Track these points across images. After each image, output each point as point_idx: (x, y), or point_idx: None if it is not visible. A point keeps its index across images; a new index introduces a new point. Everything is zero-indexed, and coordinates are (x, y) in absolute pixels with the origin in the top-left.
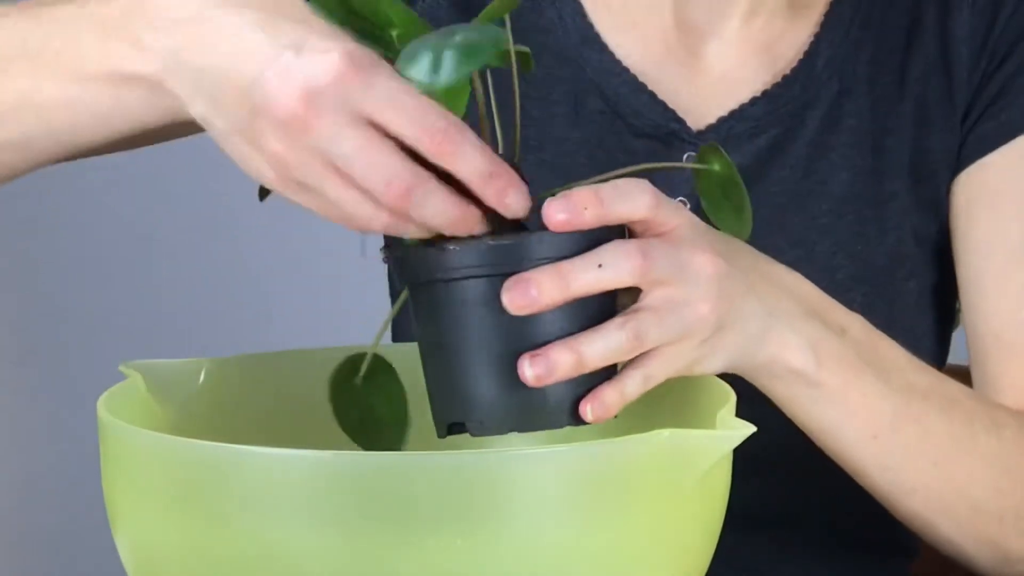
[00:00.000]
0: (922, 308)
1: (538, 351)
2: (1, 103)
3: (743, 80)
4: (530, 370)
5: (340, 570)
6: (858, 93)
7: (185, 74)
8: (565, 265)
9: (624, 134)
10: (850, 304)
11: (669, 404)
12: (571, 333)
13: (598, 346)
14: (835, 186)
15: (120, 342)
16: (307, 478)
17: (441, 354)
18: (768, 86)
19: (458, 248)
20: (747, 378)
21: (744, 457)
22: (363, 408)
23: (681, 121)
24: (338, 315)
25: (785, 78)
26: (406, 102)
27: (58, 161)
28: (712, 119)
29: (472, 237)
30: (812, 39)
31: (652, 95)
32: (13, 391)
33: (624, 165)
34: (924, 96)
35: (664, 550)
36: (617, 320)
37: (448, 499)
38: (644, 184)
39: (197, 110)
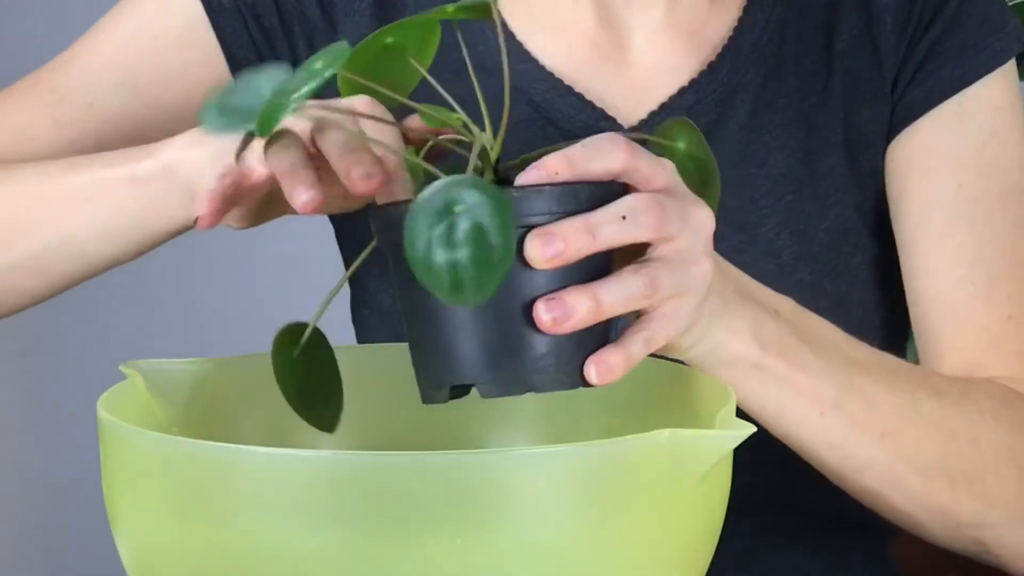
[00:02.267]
0: (870, 282)
1: (554, 295)
2: (15, 222)
3: (671, 70)
4: (547, 314)
5: (340, 570)
6: (786, 72)
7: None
8: (591, 218)
9: (555, 139)
10: (798, 284)
11: (669, 404)
12: None
13: (615, 292)
14: (772, 167)
15: (120, 342)
16: (307, 478)
17: (438, 315)
18: (696, 74)
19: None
20: (692, 366)
21: None
22: (299, 379)
23: (611, 119)
24: (338, 315)
25: (711, 65)
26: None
27: (65, 286)
28: (643, 113)
29: None
30: (736, 22)
31: (580, 96)
32: (13, 390)
33: None
34: (852, 69)
35: (664, 550)
36: (631, 267)
37: (448, 499)
38: (615, 137)
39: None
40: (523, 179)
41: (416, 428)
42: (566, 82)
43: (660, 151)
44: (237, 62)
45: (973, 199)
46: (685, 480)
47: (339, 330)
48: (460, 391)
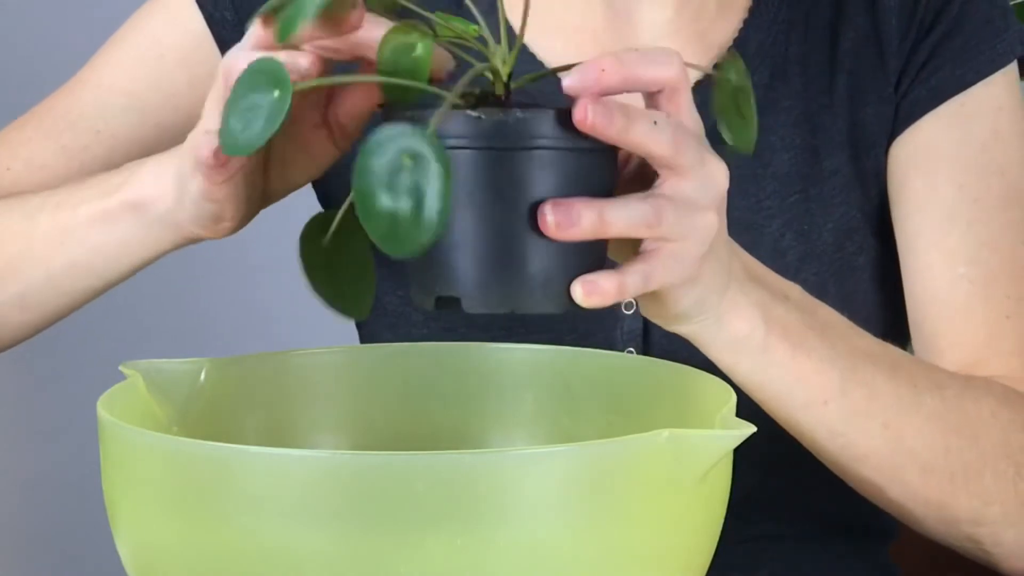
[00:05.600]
0: (874, 282)
1: (561, 200)
2: (2, 263)
3: None
4: (551, 216)
5: (340, 570)
6: (791, 74)
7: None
8: (629, 107)
9: None
10: (802, 284)
11: (669, 404)
12: None
13: (620, 212)
14: (777, 167)
15: (120, 342)
16: (307, 478)
17: None
18: (702, 75)
19: (451, 117)
20: (696, 345)
21: None
22: (329, 266)
23: None
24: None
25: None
26: None
27: (57, 317)
28: None
29: (468, 111)
30: (742, 23)
31: None
32: (13, 391)
33: None
34: (856, 70)
35: (664, 550)
36: (638, 195)
37: (448, 499)
38: (670, 51)
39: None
40: (568, 81)
41: (416, 428)
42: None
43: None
44: None
45: (973, 199)
46: (685, 480)
47: (342, 331)
48: (448, 303)
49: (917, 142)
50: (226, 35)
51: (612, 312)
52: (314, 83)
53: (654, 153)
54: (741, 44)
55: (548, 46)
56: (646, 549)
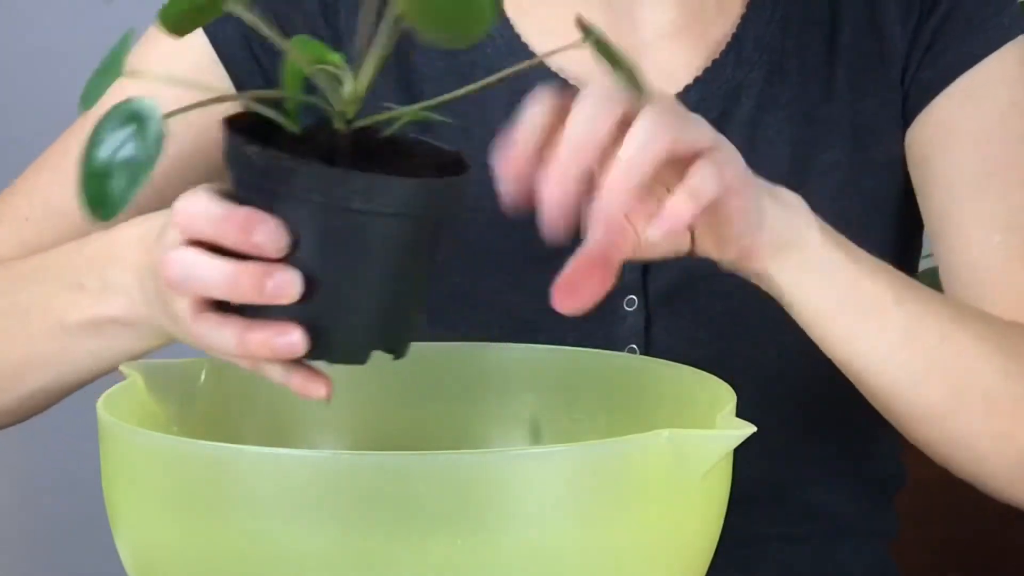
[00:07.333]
0: None
1: (660, 211)
2: (7, 366)
3: (679, 69)
4: (658, 230)
5: (340, 570)
6: (789, 68)
7: (143, 300)
8: (554, 160)
9: None
10: None
11: (669, 404)
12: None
13: (646, 139)
14: (777, 162)
15: None
16: (307, 478)
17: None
18: (700, 71)
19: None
20: (756, 255)
21: None
22: None
23: None
24: None
25: (715, 62)
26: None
27: (68, 394)
28: None
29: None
30: (739, 20)
31: None
32: None
33: None
34: (856, 61)
35: (664, 550)
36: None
37: (448, 499)
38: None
39: (165, 324)
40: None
41: (416, 428)
42: (571, 82)
43: None
44: (245, 90)
45: (1000, 169)
46: (685, 480)
47: None
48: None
49: (934, 123)
50: (229, 52)
51: (614, 310)
52: (181, 110)
53: (603, 137)
54: (739, 40)
55: (546, 46)
56: (646, 549)
